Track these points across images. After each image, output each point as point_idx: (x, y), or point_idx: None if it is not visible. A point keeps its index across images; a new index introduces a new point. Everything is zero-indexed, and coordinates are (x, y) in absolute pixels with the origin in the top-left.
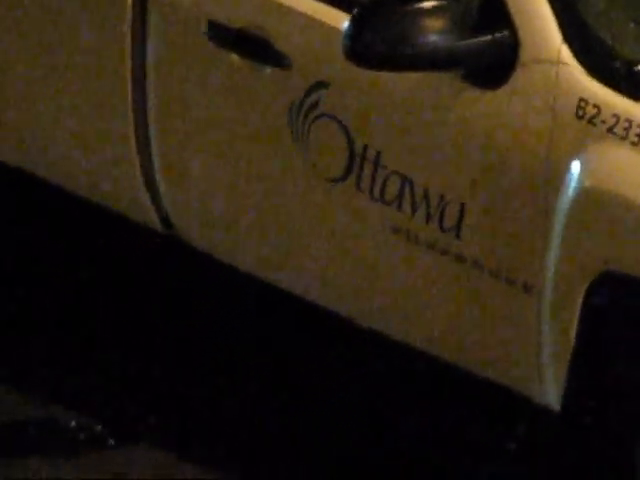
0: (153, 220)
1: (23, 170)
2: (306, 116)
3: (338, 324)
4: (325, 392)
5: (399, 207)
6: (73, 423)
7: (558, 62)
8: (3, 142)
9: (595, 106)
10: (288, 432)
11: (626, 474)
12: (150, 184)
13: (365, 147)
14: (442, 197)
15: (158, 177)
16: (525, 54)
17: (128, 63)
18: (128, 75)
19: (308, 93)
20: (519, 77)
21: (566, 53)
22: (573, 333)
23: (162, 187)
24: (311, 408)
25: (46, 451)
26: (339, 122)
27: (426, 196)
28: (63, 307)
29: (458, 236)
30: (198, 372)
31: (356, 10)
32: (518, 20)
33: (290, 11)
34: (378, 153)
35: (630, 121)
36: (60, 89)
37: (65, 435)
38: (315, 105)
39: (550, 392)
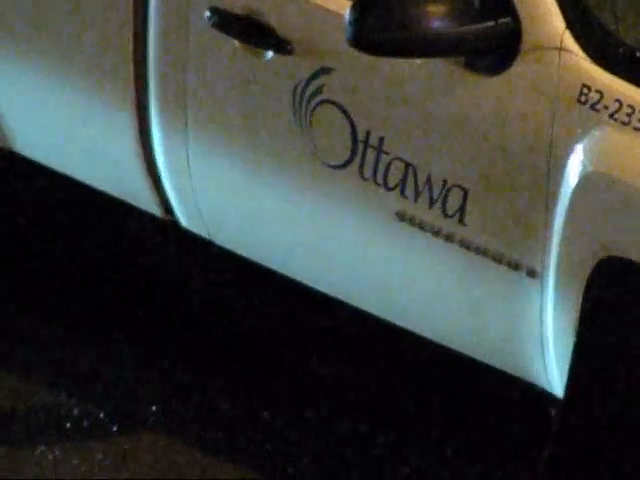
0: (154, 206)
1: (26, 157)
2: (309, 102)
3: (342, 311)
4: (326, 384)
5: (402, 193)
6: (76, 411)
7: (560, 48)
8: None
9: (598, 92)
10: (286, 419)
11: (627, 464)
12: (151, 170)
13: (368, 133)
14: (445, 183)
15: (159, 163)
16: (527, 40)
17: (130, 50)
18: (130, 61)
19: (311, 79)
20: (522, 63)
21: (569, 39)
22: (576, 318)
23: (163, 173)
24: (313, 398)
25: (50, 437)
26: (342, 108)
27: (429, 182)
28: (67, 294)
29: (462, 221)
30: (201, 360)
31: None
32: (520, 6)
33: None
34: (381, 139)
35: (633, 107)
36: (62, 76)
37: (68, 421)
38: (318, 91)
39: (554, 378)
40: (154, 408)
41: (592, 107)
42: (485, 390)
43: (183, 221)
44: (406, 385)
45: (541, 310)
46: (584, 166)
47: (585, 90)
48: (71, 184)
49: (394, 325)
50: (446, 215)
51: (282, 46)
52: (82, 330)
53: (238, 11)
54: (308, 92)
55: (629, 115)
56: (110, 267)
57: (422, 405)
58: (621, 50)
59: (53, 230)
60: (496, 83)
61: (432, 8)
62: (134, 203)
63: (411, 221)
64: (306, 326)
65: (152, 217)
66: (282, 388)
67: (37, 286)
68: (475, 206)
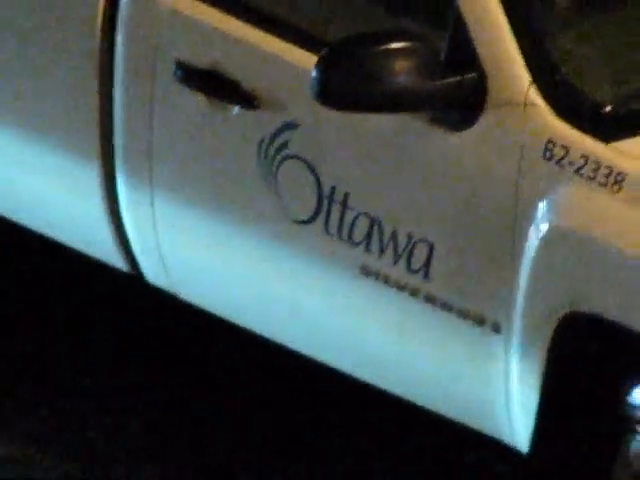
0: (120, 260)
1: None
2: (275, 157)
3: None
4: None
5: (367, 248)
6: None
7: (526, 103)
8: None
9: (563, 147)
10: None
11: None
12: (117, 224)
13: (333, 188)
14: (410, 237)
15: (125, 217)
16: (493, 95)
17: (96, 101)
18: (96, 112)
19: (276, 134)
20: (488, 119)
21: (534, 94)
22: (541, 373)
23: (129, 227)
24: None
25: None
26: (307, 163)
27: (394, 237)
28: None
29: (427, 276)
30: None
31: (324, 51)
32: (486, 61)
33: (257, 51)
34: (346, 194)
35: (599, 162)
36: (29, 128)
37: None
38: (283, 146)
39: (519, 433)
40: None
41: (558, 162)
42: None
43: (148, 276)
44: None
45: (506, 365)
46: (550, 221)
47: (551, 145)
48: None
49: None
50: (412, 270)
51: (247, 101)
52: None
53: (204, 66)
54: (273, 147)
55: (595, 170)
56: (76, 322)
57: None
58: (587, 105)
59: (16, 283)
60: (462, 138)
61: (397, 63)
62: (100, 258)
63: (376, 276)
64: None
65: (118, 271)
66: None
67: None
68: (440, 261)
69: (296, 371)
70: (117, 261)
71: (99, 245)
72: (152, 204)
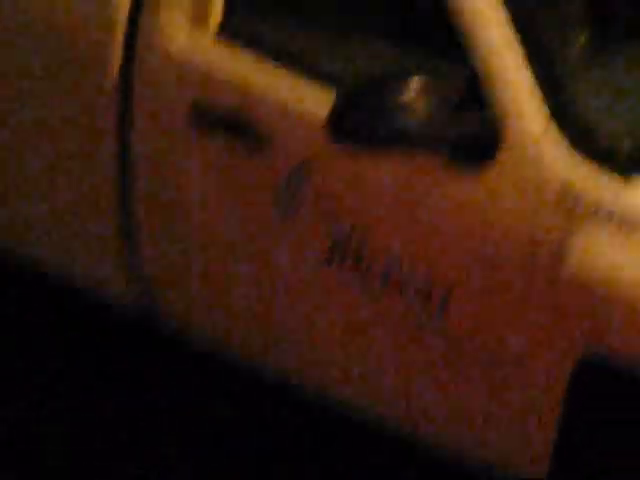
0: (134, 304)
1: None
2: (292, 198)
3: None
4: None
5: (384, 288)
6: None
7: (542, 143)
8: None
9: (579, 189)
10: None
11: None
12: (135, 267)
13: (351, 228)
14: (427, 278)
15: (144, 259)
16: (511, 133)
17: (113, 146)
18: (113, 158)
19: (292, 176)
20: (505, 157)
21: (551, 134)
22: (558, 413)
23: (146, 270)
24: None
25: None
26: (323, 204)
27: (412, 277)
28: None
29: (445, 317)
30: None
31: (342, 91)
32: (501, 100)
33: (272, 94)
34: (363, 234)
35: (616, 202)
36: (46, 171)
37: None
38: (299, 187)
39: (536, 469)
40: None
41: (575, 201)
42: None
43: (165, 318)
44: None
45: (526, 401)
46: (565, 262)
47: (568, 184)
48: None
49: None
50: (430, 311)
51: (263, 143)
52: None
53: (219, 108)
54: (290, 188)
55: (611, 212)
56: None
57: None
58: (604, 143)
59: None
60: (480, 176)
61: (415, 101)
62: (111, 300)
63: (395, 316)
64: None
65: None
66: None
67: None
68: (459, 302)
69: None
70: (133, 305)
71: (114, 289)
72: (171, 246)
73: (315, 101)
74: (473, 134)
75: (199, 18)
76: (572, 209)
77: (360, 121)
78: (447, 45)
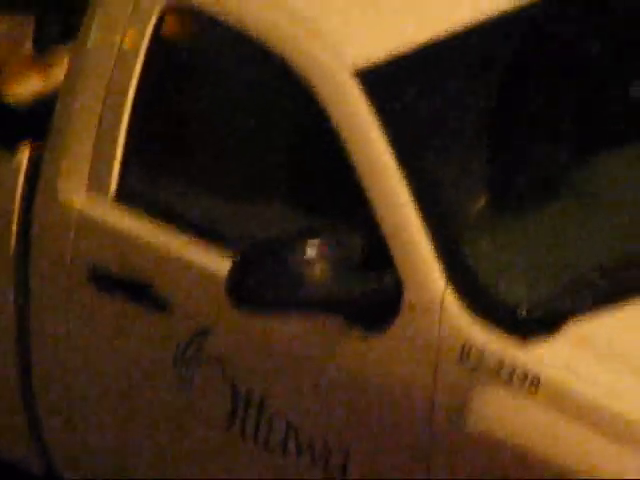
0: (37, 463)
1: None
2: (190, 361)
3: None
4: None
5: (284, 452)
6: None
7: (441, 307)
8: None
9: (479, 351)
10: None
11: None
12: (34, 428)
13: (249, 392)
14: (326, 442)
15: (43, 422)
16: (409, 297)
17: (11, 308)
18: (11, 319)
19: (191, 338)
20: (403, 321)
21: (449, 298)
22: None
23: (46, 431)
24: None
25: None
26: (222, 367)
27: (311, 441)
28: None
29: None
30: None
31: (239, 254)
32: (400, 263)
33: (170, 256)
34: (262, 398)
35: (514, 366)
36: None
37: None
38: (198, 350)
39: None
40: None
41: (473, 366)
42: None
43: (63, 472)
44: None
45: None
46: (466, 425)
47: (466, 349)
48: None
49: None
50: (328, 474)
51: (162, 305)
52: None
53: (118, 270)
54: (189, 351)
55: (511, 373)
56: None
57: None
58: (502, 308)
59: None
60: (377, 341)
61: (313, 265)
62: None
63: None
64: None
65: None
66: None
67: None
68: (356, 466)
69: None
70: (36, 464)
71: (16, 448)
72: (71, 408)
73: (213, 263)
74: (372, 296)
75: (97, 182)
76: (472, 370)
77: (258, 285)
78: (346, 207)
